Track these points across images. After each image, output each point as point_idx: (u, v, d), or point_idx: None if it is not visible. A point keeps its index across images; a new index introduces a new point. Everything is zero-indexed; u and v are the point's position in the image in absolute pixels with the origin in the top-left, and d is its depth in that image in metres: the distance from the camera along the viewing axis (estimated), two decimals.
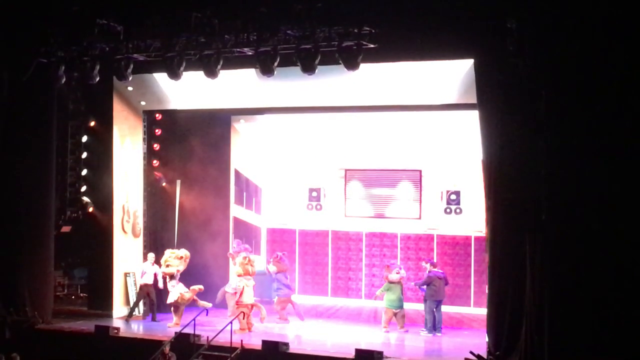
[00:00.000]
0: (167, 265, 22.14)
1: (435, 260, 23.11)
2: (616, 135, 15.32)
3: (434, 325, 21.64)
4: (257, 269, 22.96)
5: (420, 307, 23.92)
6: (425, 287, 21.86)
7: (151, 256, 22.97)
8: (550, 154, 15.92)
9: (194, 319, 20.36)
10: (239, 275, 21.64)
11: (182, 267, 22.20)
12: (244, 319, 21.19)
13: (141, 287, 22.79)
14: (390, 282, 22.10)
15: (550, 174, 15.89)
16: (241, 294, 21.52)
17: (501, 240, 17.41)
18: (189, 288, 22.07)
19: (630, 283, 15.11)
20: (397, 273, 22.20)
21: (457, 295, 24.34)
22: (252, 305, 21.73)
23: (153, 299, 22.73)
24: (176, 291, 21.98)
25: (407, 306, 23.38)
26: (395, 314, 22.00)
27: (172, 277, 22.11)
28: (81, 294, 25.89)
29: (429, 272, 21.94)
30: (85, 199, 24.01)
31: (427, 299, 21.76)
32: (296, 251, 27.26)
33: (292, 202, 27.65)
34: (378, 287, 23.36)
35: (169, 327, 21.59)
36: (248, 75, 20.57)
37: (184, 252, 22.36)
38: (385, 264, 23.16)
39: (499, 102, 17.27)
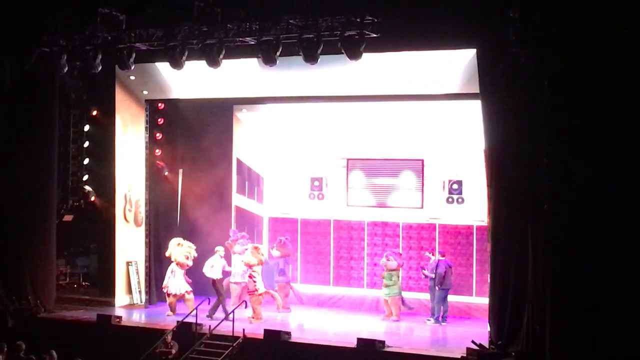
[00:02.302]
0: (186, 257, 22.11)
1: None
2: (618, 125, 15.32)
3: (443, 314, 21.71)
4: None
5: (421, 296, 24.00)
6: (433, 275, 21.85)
7: (220, 249, 22.67)
8: (553, 143, 15.92)
9: (196, 308, 20.43)
10: (251, 266, 21.54)
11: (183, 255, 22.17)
12: (255, 309, 21.29)
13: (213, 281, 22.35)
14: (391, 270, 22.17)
15: (553, 164, 15.90)
16: (254, 283, 21.45)
17: (503, 229, 17.41)
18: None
19: (632, 273, 15.14)
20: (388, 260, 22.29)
21: (459, 284, 24.31)
22: (265, 294, 21.71)
23: (222, 293, 22.31)
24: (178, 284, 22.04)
25: (409, 295, 23.48)
26: (388, 302, 22.06)
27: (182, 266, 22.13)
28: (83, 283, 25.94)
29: (440, 261, 21.89)
30: (88, 187, 24.06)
31: (440, 288, 21.73)
32: (298, 240, 27.26)
33: (294, 191, 27.65)
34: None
35: (167, 315, 21.66)
36: (250, 65, 20.53)
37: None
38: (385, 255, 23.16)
39: (501, 92, 17.26)
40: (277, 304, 22.12)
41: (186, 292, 22.01)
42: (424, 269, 22.44)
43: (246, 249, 22.37)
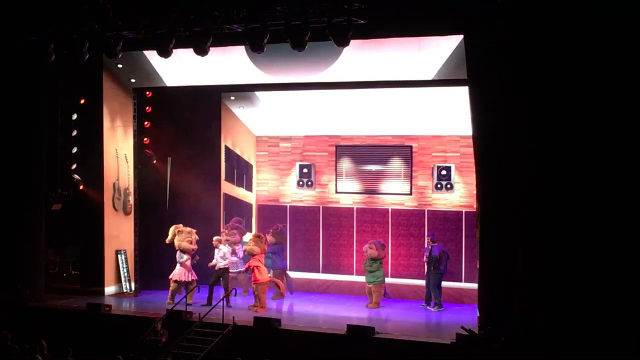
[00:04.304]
0: (189, 242, 22.15)
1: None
2: (608, 111, 15.37)
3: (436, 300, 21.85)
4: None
5: (410, 282, 24.07)
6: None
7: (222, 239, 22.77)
8: (541, 129, 15.96)
9: (184, 296, 20.48)
10: (255, 255, 21.51)
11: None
12: (261, 297, 21.30)
13: (218, 270, 22.31)
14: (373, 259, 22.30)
15: (541, 150, 15.94)
16: (259, 272, 21.40)
17: (492, 215, 17.45)
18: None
19: (621, 258, 15.21)
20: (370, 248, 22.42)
21: (449, 270, 24.31)
22: (269, 282, 21.72)
23: (226, 284, 22.33)
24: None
25: (399, 281, 23.57)
26: (370, 289, 22.18)
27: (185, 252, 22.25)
28: (73, 272, 25.87)
29: (434, 246, 21.97)
30: (76, 176, 24.00)
31: (439, 274, 21.90)
32: (287, 228, 27.26)
33: (283, 178, 27.66)
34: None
35: (168, 303, 21.61)
36: (238, 52, 20.49)
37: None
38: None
39: (489, 77, 17.27)
40: (281, 292, 22.09)
41: (192, 280, 22.04)
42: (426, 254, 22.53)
43: (239, 240, 22.55)
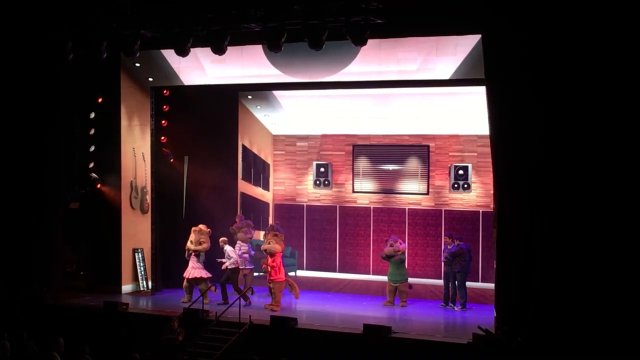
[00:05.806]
0: (201, 242, 22.18)
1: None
2: (629, 112, 15.31)
3: (456, 299, 21.78)
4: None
5: (426, 282, 24.04)
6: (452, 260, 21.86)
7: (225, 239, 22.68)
8: (560, 129, 15.93)
9: (201, 295, 20.48)
10: (275, 254, 21.49)
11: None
12: (277, 296, 21.27)
13: (228, 270, 22.21)
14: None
15: (559, 150, 15.91)
16: (277, 271, 21.39)
17: (509, 215, 17.38)
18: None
19: (638, 259, 15.16)
20: (400, 244, 22.28)
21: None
22: (285, 282, 21.70)
23: (236, 283, 22.29)
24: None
25: (415, 281, 23.51)
26: (396, 288, 22.08)
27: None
28: (90, 270, 25.94)
29: (461, 245, 21.85)
30: (93, 175, 24.05)
31: (464, 274, 21.77)
32: (304, 227, 27.29)
33: (300, 177, 27.69)
34: (387, 263, 23.06)
35: (182, 302, 21.65)
36: (255, 51, 20.52)
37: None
38: (386, 240, 23.14)
39: (507, 77, 17.21)
40: (295, 294, 22.02)
41: (200, 277, 22.05)
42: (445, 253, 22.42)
43: (250, 237, 22.51)
